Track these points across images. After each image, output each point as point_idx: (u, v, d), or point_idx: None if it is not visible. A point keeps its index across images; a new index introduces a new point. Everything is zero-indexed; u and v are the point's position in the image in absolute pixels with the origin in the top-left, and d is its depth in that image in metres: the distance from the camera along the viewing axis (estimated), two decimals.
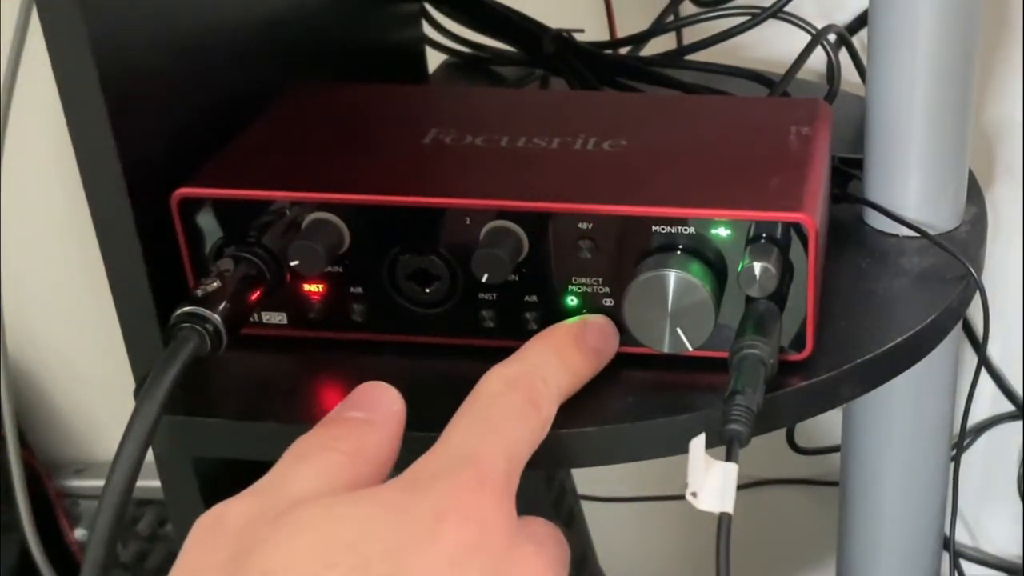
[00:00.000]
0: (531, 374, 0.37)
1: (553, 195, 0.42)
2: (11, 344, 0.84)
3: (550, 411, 0.37)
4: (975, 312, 0.50)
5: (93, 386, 0.99)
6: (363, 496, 0.32)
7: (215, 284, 0.41)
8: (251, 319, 0.44)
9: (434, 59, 0.70)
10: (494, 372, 0.37)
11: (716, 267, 0.41)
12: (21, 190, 0.81)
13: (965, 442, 0.80)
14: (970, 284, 0.47)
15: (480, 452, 0.34)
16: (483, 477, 0.33)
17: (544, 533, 0.35)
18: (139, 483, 0.36)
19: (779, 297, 0.41)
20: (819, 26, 0.60)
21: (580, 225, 0.41)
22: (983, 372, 0.78)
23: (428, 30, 0.69)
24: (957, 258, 0.47)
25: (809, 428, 0.82)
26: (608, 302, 0.42)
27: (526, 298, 0.43)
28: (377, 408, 0.36)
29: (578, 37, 0.64)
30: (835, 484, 0.61)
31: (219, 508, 0.33)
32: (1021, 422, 0.81)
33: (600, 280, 0.42)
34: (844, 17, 0.69)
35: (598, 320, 0.41)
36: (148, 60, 0.43)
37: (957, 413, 0.56)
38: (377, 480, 0.34)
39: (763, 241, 0.40)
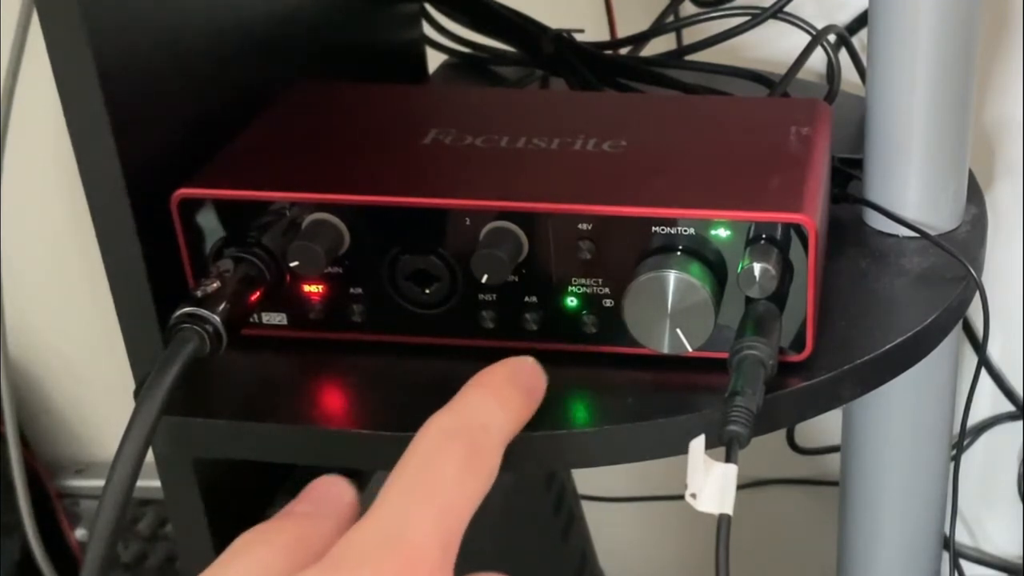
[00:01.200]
0: (472, 423, 0.35)
1: (553, 196, 0.42)
2: (11, 344, 0.84)
3: (495, 461, 0.35)
4: (975, 312, 0.50)
5: (93, 386, 0.99)
6: None
7: (215, 284, 0.41)
8: (251, 320, 0.44)
9: (434, 59, 0.70)
10: (431, 423, 0.35)
11: (716, 268, 0.41)
12: (21, 190, 0.81)
13: (965, 442, 0.80)
14: (970, 284, 0.47)
15: (411, 526, 0.31)
16: (413, 559, 0.31)
17: None
18: (139, 483, 0.36)
19: (779, 298, 0.41)
20: (819, 26, 0.60)
21: (580, 226, 0.41)
22: (983, 372, 0.78)
23: (428, 30, 0.69)
24: (957, 258, 0.47)
25: (809, 428, 0.82)
26: (608, 303, 0.42)
27: (526, 299, 0.43)
28: (325, 501, 0.35)
29: (578, 37, 0.64)
30: (835, 484, 0.61)
31: None
32: (1021, 422, 0.81)
33: (600, 281, 0.42)
34: (844, 17, 0.69)
35: (527, 360, 0.39)
36: (148, 60, 0.43)
37: (957, 413, 0.56)
38: None
39: (763, 242, 0.40)
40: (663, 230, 0.41)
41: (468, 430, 0.34)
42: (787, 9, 0.60)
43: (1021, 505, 0.82)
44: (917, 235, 0.49)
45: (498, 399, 0.36)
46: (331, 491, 0.35)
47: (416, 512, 0.32)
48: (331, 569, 0.31)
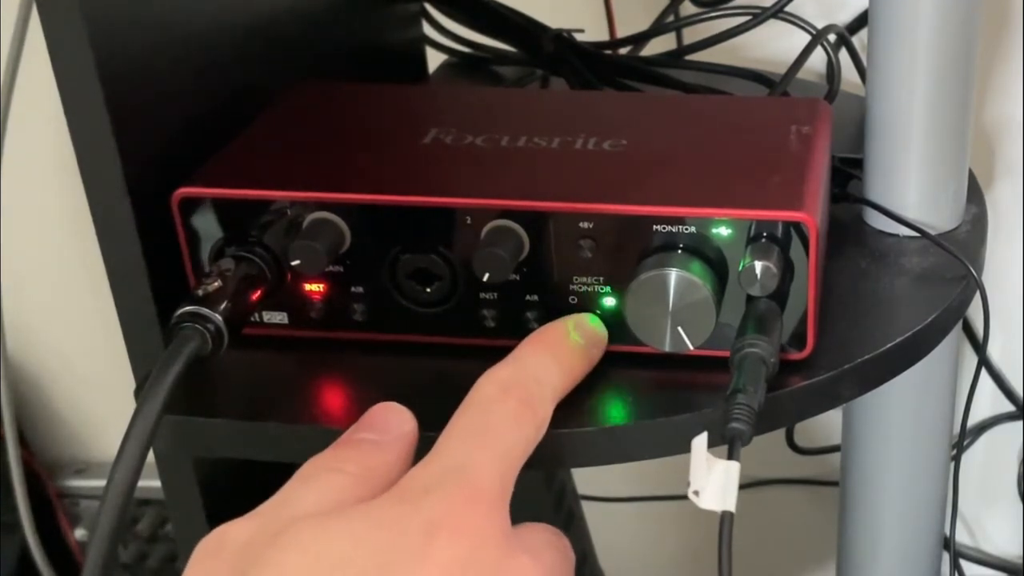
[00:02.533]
0: (525, 376, 0.37)
1: (554, 194, 0.42)
2: (11, 344, 0.84)
3: (546, 412, 0.37)
4: (975, 312, 0.50)
5: (93, 386, 0.99)
6: (356, 512, 0.32)
7: (216, 284, 0.41)
8: (252, 319, 0.44)
9: (434, 59, 0.70)
10: (488, 376, 0.37)
11: (717, 266, 0.41)
12: (21, 190, 0.81)
13: (965, 442, 0.80)
14: (970, 284, 0.47)
15: (472, 463, 0.34)
16: (475, 490, 0.33)
17: (541, 541, 0.35)
18: (139, 483, 0.36)
19: (780, 296, 0.41)
20: (819, 26, 0.60)
21: (581, 224, 0.41)
22: (983, 372, 0.78)
23: (428, 30, 0.69)
24: (957, 258, 0.47)
25: (809, 428, 0.82)
26: (609, 301, 0.42)
27: (527, 297, 0.43)
28: (387, 429, 0.36)
29: (578, 37, 0.64)
30: (835, 484, 0.61)
31: (220, 530, 0.33)
32: (1021, 422, 0.81)
33: (601, 279, 0.42)
34: (844, 17, 0.69)
35: (587, 318, 0.42)
36: (148, 60, 0.43)
37: (957, 413, 0.56)
38: None
39: (764, 240, 0.40)
40: (664, 228, 0.41)
41: (523, 382, 0.37)
42: (787, 9, 0.60)
43: (1021, 505, 0.82)
44: (917, 235, 0.49)
45: (553, 355, 0.39)
46: (392, 418, 0.37)
47: (476, 451, 0.34)
48: (399, 499, 0.33)
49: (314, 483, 0.34)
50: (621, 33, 0.68)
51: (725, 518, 0.35)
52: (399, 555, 0.31)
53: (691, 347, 0.41)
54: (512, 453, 0.35)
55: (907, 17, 0.47)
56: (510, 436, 0.35)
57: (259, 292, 0.42)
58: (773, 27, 0.61)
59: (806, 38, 0.59)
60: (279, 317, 0.44)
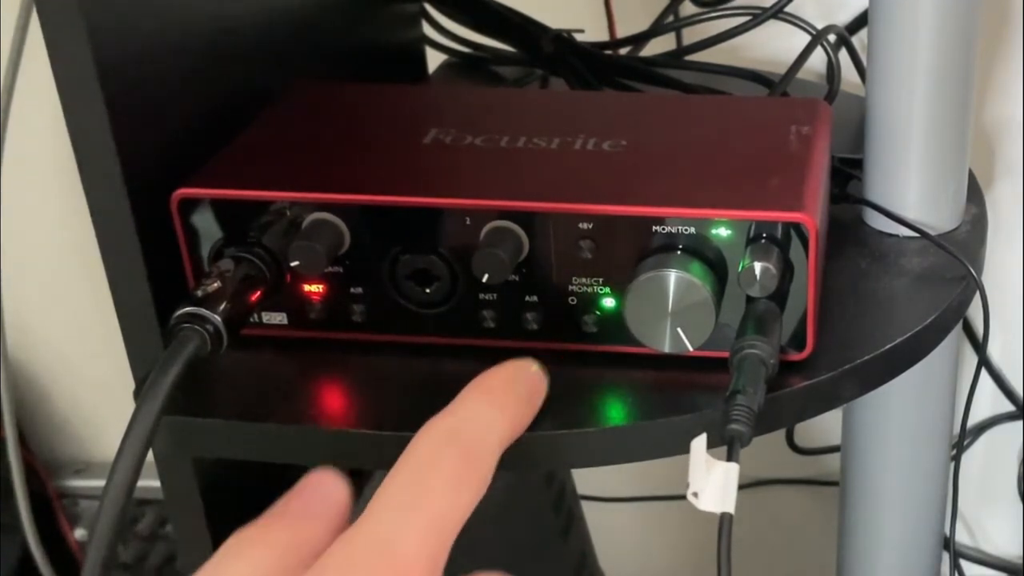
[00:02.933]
0: (467, 427, 0.35)
1: (553, 195, 0.42)
2: (11, 344, 0.84)
3: (490, 465, 0.34)
4: (975, 312, 0.50)
5: (93, 386, 0.99)
6: None
7: (215, 284, 0.40)
8: (251, 319, 0.44)
9: (434, 59, 0.70)
10: (427, 428, 0.34)
11: (716, 267, 0.41)
12: (21, 190, 0.81)
13: (965, 442, 0.80)
14: (970, 284, 0.47)
15: (401, 539, 0.31)
16: (400, 570, 0.31)
17: None
18: (139, 483, 0.36)
19: (779, 297, 0.41)
20: (819, 26, 0.60)
21: (580, 225, 0.41)
22: (983, 372, 0.78)
23: (428, 30, 0.69)
24: (957, 258, 0.47)
25: (809, 428, 0.82)
26: (609, 302, 0.42)
27: (526, 298, 0.43)
28: (318, 499, 0.35)
29: (578, 37, 0.64)
30: (835, 484, 0.61)
31: None
32: (1021, 422, 0.81)
33: (600, 280, 0.42)
34: (844, 17, 0.69)
35: (527, 362, 0.39)
36: (148, 60, 0.43)
37: (957, 413, 0.56)
38: None
39: (763, 241, 0.40)
40: (664, 229, 0.41)
41: (463, 437, 0.34)
42: (787, 9, 0.60)
43: (1021, 505, 0.82)
44: (917, 235, 0.49)
45: (496, 404, 0.36)
46: (324, 488, 0.35)
47: (406, 523, 0.32)
48: None
49: (238, 561, 0.32)
50: (621, 33, 0.68)
51: (724, 519, 0.35)
52: None
53: (690, 348, 0.41)
54: (447, 521, 0.33)
55: (907, 17, 0.47)
56: (445, 502, 0.33)
57: (258, 293, 0.42)
58: (773, 27, 0.61)
59: (806, 38, 0.59)
60: (278, 318, 0.44)
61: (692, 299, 0.40)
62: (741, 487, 0.36)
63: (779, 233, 0.40)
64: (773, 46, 0.70)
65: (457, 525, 0.33)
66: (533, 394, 0.38)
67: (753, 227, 0.40)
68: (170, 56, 0.44)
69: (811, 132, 0.46)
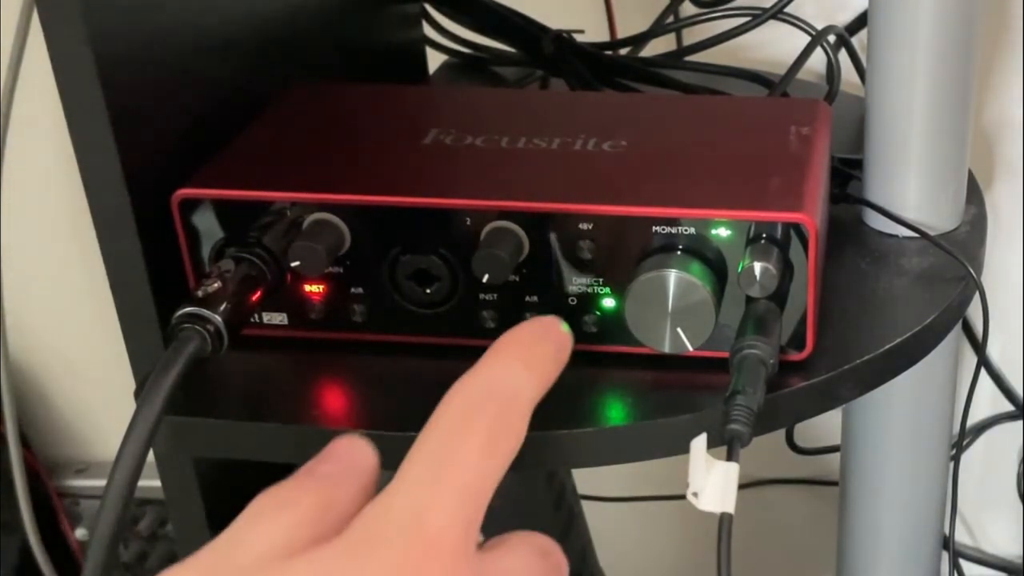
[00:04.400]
0: (499, 387, 0.34)
1: (554, 195, 0.42)
2: (11, 344, 0.84)
3: (523, 425, 0.34)
4: (975, 312, 0.50)
5: (93, 386, 0.99)
6: (306, 563, 0.30)
7: (216, 285, 0.40)
8: (252, 320, 0.44)
9: (434, 59, 0.70)
10: (457, 389, 0.34)
11: (716, 267, 0.41)
12: (21, 190, 0.81)
13: (965, 442, 0.80)
14: (970, 284, 0.47)
15: (434, 508, 0.31)
16: (434, 540, 0.30)
17: (515, 569, 0.32)
18: (139, 483, 0.36)
19: (779, 297, 0.41)
20: (819, 27, 0.60)
21: (580, 225, 0.41)
22: (983, 372, 0.78)
23: (428, 30, 0.69)
24: (957, 258, 0.47)
25: (809, 428, 0.82)
26: (609, 302, 0.42)
27: (527, 298, 0.43)
28: (347, 463, 0.34)
29: (578, 37, 0.64)
30: (835, 484, 0.61)
31: (168, 574, 0.31)
32: (1021, 422, 0.81)
33: (601, 280, 0.42)
34: (844, 17, 0.69)
35: (552, 319, 0.38)
36: (148, 60, 0.43)
37: (957, 413, 0.56)
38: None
39: (763, 241, 0.40)
40: (664, 229, 0.41)
41: (493, 398, 0.33)
42: (787, 10, 0.60)
43: (1021, 505, 0.82)
44: (917, 235, 0.49)
45: (524, 361, 0.35)
46: (352, 452, 0.34)
47: (438, 491, 0.31)
48: (349, 550, 0.30)
49: (266, 522, 0.31)
50: (621, 33, 0.68)
51: (724, 519, 0.35)
52: None
53: (690, 348, 0.41)
54: (480, 486, 0.32)
55: (907, 17, 0.47)
56: (477, 467, 0.32)
57: (259, 293, 0.42)
58: (773, 28, 0.61)
59: (806, 39, 0.59)
60: (279, 318, 0.44)
61: (692, 299, 0.40)
62: (741, 487, 0.36)
63: (779, 233, 0.40)
64: (773, 46, 0.70)
65: (490, 489, 0.32)
66: (559, 351, 0.37)
67: (753, 227, 0.40)
68: (170, 56, 0.44)
69: (811, 132, 0.46)
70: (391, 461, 0.36)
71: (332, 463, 0.34)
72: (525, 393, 0.34)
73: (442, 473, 0.31)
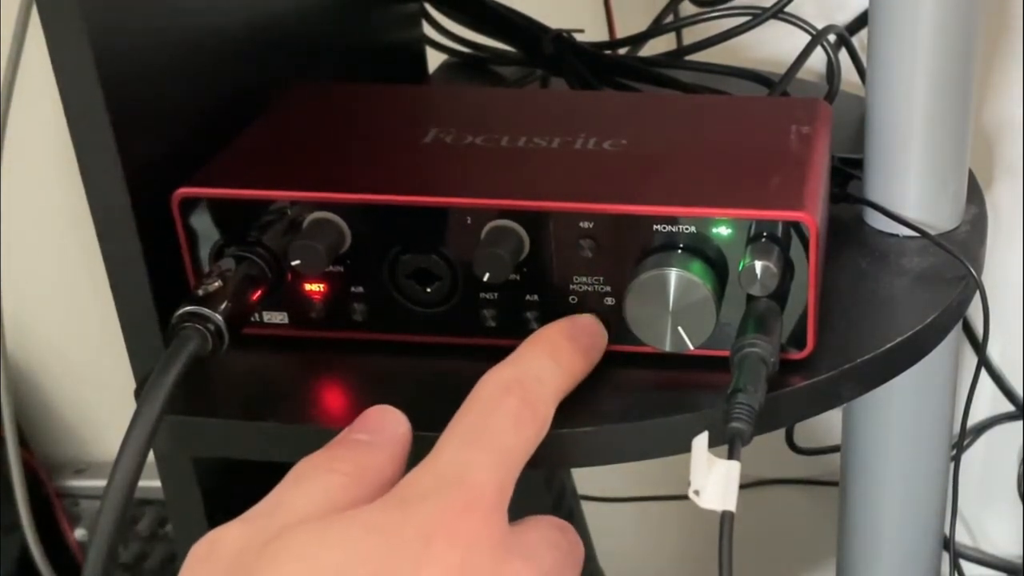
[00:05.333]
0: (527, 376, 0.37)
1: (554, 194, 0.42)
2: (11, 344, 0.84)
3: (548, 412, 0.37)
4: (975, 312, 0.50)
5: (93, 386, 0.99)
6: (351, 519, 0.32)
7: (216, 284, 0.40)
8: (252, 319, 0.44)
9: (434, 59, 0.70)
10: (489, 376, 0.37)
11: (717, 266, 0.41)
12: (21, 190, 0.81)
13: (965, 442, 0.80)
14: (970, 284, 0.47)
15: (470, 468, 0.33)
16: (472, 497, 0.33)
17: (542, 542, 0.35)
18: (139, 483, 0.36)
19: (780, 296, 0.41)
20: (819, 26, 0.60)
21: (581, 224, 0.41)
22: (983, 372, 0.78)
23: (428, 30, 0.69)
24: (957, 258, 0.47)
25: (809, 428, 0.82)
26: (609, 301, 0.42)
27: (527, 297, 0.43)
28: (381, 430, 0.36)
29: (578, 37, 0.64)
30: (835, 484, 0.61)
31: (213, 535, 0.33)
32: (1021, 422, 0.81)
33: (601, 279, 0.42)
34: (844, 17, 0.69)
35: (587, 318, 0.42)
36: (148, 60, 0.43)
37: (957, 413, 0.56)
38: None
39: (764, 240, 0.40)
40: (664, 228, 0.41)
41: (525, 382, 0.37)
42: (787, 9, 0.60)
43: (1021, 505, 0.82)
44: (917, 235, 0.49)
45: (553, 355, 0.39)
46: (387, 420, 0.37)
47: (475, 456, 0.34)
48: (394, 505, 0.32)
49: (307, 484, 0.34)
50: (621, 33, 0.68)
51: (725, 518, 0.35)
52: (394, 563, 0.31)
53: (691, 347, 0.41)
54: (512, 456, 0.35)
55: (907, 17, 0.47)
56: (510, 439, 0.35)
57: (259, 292, 0.42)
58: (773, 27, 0.61)
59: (806, 38, 0.59)
60: (279, 317, 0.44)
61: (693, 298, 0.40)
62: (741, 487, 0.36)
63: (779, 232, 0.40)
64: (773, 46, 0.70)
65: (521, 461, 0.35)
66: (591, 348, 0.41)
67: (754, 226, 0.40)
68: (170, 56, 0.44)
69: (811, 132, 0.46)
70: None
71: (367, 431, 0.36)
72: (551, 384, 0.38)
73: (477, 442, 0.34)
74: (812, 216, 0.40)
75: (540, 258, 0.42)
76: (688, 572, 0.96)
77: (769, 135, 0.46)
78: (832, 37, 0.61)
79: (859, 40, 0.66)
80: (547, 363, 0.39)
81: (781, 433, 0.81)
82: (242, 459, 0.43)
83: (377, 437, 0.36)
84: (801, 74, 0.59)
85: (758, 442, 0.38)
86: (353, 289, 0.44)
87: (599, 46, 0.65)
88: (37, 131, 0.73)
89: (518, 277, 0.42)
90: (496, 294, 0.43)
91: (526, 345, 0.39)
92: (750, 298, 0.41)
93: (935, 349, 0.46)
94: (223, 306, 0.40)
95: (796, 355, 0.42)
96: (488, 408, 0.36)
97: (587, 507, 0.83)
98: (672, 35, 0.69)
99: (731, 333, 0.41)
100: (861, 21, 0.68)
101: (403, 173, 0.44)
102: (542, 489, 0.76)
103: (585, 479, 0.84)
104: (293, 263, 0.42)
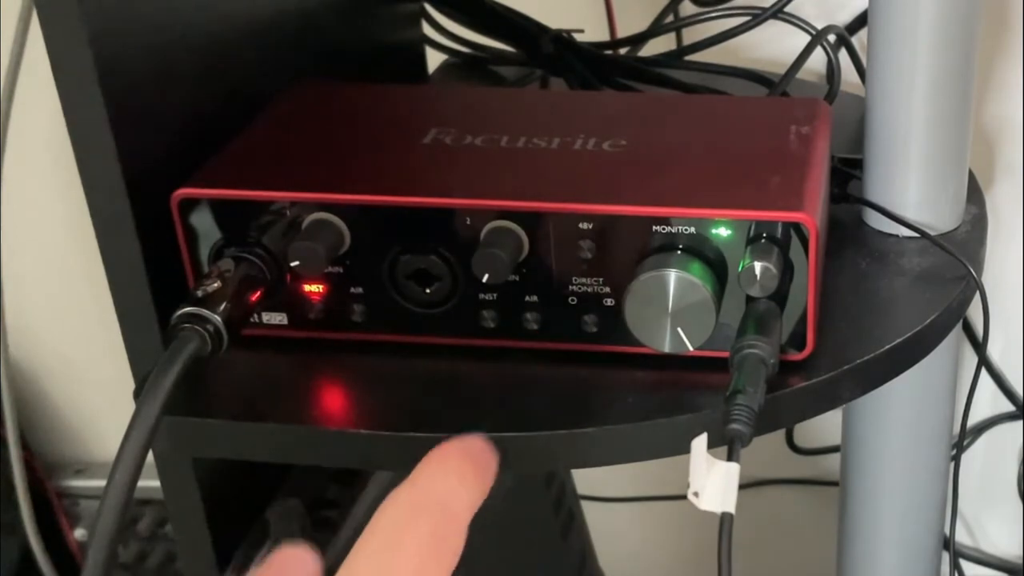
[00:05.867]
0: (433, 498, 0.34)
1: (554, 195, 0.42)
2: (11, 344, 0.84)
3: (460, 537, 0.34)
4: (975, 312, 0.50)
5: (93, 386, 0.99)
6: None
7: (216, 284, 0.40)
8: (251, 319, 0.44)
9: (434, 59, 0.70)
10: (393, 499, 0.34)
11: (716, 267, 0.41)
12: (21, 190, 0.81)
13: (965, 442, 0.80)
14: (970, 284, 0.47)
15: None
16: None
17: None
18: (139, 483, 0.36)
19: (779, 297, 0.41)
20: (819, 26, 0.60)
21: (580, 225, 0.41)
22: (983, 372, 0.78)
23: (428, 30, 0.69)
24: (957, 258, 0.47)
25: (809, 428, 0.82)
26: (609, 302, 0.42)
27: (527, 298, 0.43)
28: (290, 572, 0.34)
29: (578, 37, 0.64)
30: (835, 484, 0.61)
31: None
32: (1021, 422, 0.81)
33: (601, 280, 0.42)
34: (844, 17, 0.69)
35: (476, 438, 0.37)
36: (148, 60, 0.43)
37: (957, 413, 0.56)
38: None
39: (763, 241, 0.40)
40: (664, 229, 0.41)
41: (431, 507, 0.34)
42: (787, 9, 0.60)
43: (1021, 505, 0.82)
44: (917, 235, 0.49)
45: (457, 475, 0.35)
46: (295, 563, 0.34)
47: None
48: None
49: None
50: (621, 33, 0.68)
51: (725, 519, 0.35)
52: None
53: (691, 348, 0.41)
54: None
55: (907, 17, 0.47)
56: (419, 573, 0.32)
57: (258, 293, 0.42)
58: (773, 27, 0.61)
59: (806, 38, 0.59)
60: (278, 318, 0.44)
61: (692, 299, 0.40)
62: (741, 487, 0.36)
63: (779, 233, 0.40)
64: (773, 46, 0.70)
65: None
66: (487, 466, 0.37)
67: (753, 227, 0.40)
68: (170, 56, 0.44)
69: (811, 132, 0.46)
70: (390, 461, 0.36)
71: (275, 573, 0.34)
72: (459, 504, 0.34)
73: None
74: (812, 217, 0.40)
75: (539, 259, 0.42)
76: (688, 572, 0.96)
77: (769, 135, 0.46)
78: (832, 37, 0.61)
79: (859, 40, 0.66)
80: (453, 484, 0.35)
81: (781, 433, 0.81)
82: (242, 459, 0.43)
83: None
84: (801, 74, 0.59)
85: (758, 442, 0.38)
86: (352, 290, 0.44)
87: (599, 46, 0.65)
88: (37, 132, 0.73)
89: (517, 278, 0.42)
90: (495, 295, 0.43)
91: (424, 466, 0.35)
92: (750, 299, 0.41)
93: (935, 349, 0.46)
94: (222, 307, 0.40)
95: (796, 356, 0.42)
96: (394, 538, 0.33)
97: (587, 507, 0.83)
98: (672, 35, 0.69)
99: (730, 334, 0.41)
100: (861, 21, 0.68)
101: (403, 174, 0.44)
102: (542, 489, 0.76)
103: (585, 479, 0.84)
104: (292, 264, 0.42)
